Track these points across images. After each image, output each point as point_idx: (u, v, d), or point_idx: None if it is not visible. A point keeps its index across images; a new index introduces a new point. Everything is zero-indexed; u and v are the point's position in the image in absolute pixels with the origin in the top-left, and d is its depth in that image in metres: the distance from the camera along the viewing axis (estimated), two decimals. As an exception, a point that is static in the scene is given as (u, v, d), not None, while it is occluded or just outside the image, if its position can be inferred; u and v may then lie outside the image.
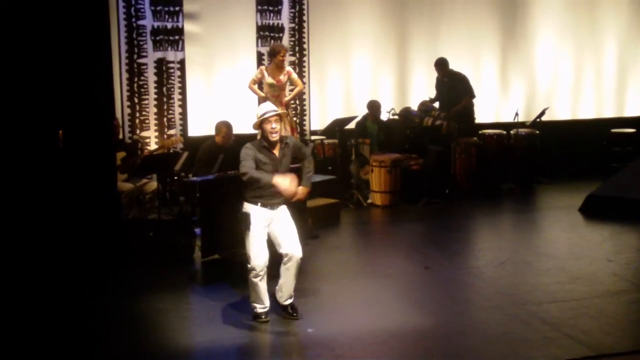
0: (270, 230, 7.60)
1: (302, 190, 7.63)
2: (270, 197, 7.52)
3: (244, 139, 11.78)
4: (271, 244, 7.65)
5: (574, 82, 15.77)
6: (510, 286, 8.64)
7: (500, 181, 14.07)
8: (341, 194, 12.60)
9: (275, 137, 7.51)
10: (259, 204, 7.52)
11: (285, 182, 7.34)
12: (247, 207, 7.55)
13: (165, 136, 12.61)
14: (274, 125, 7.47)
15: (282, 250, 7.57)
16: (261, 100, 11.82)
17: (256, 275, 7.48)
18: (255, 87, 12.01)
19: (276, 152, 7.57)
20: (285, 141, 7.65)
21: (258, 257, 7.46)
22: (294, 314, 7.70)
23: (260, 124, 7.54)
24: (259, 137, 8.02)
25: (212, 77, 13.38)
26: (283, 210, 7.66)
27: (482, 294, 8.45)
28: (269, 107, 7.63)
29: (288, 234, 7.57)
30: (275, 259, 7.73)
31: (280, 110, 7.74)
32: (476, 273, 9.16)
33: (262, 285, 7.56)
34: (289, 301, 7.75)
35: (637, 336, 7.37)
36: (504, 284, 8.73)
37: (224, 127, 11.10)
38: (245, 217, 7.52)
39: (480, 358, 6.85)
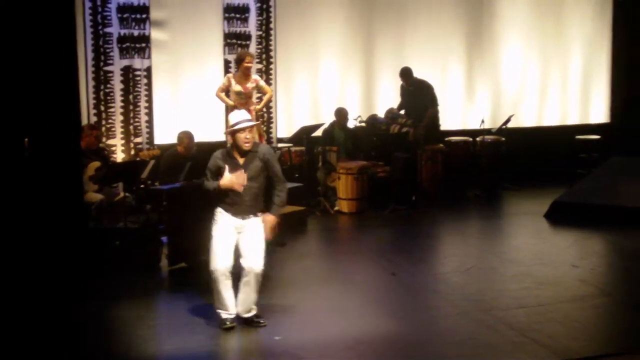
0: (238, 240, 7.54)
1: (268, 221, 7.51)
2: (238, 206, 7.48)
3: (210, 147, 11.86)
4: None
5: (540, 89, 15.89)
6: (477, 292, 8.67)
7: (466, 188, 14.11)
8: (308, 201, 12.62)
9: (248, 147, 7.44)
10: (230, 212, 7.50)
11: (228, 179, 7.38)
12: (218, 212, 7.54)
13: (131, 144, 12.57)
14: (247, 135, 7.42)
15: (242, 262, 7.54)
16: (230, 108, 11.74)
17: (216, 279, 7.45)
18: (223, 95, 11.96)
19: (242, 160, 7.51)
20: (255, 149, 7.57)
21: (218, 260, 7.43)
22: (260, 321, 7.67)
23: (233, 133, 7.48)
24: (229, 144, 7.94)
25: (179, 84, 13.33)
26: (255, 223, 7.56)
27: (448, 300, 8.45)
28: (244, 115, 7.55)
29: (251, 247, 7.50)
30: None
31: (254, 122, 7.70)
32: (443, 279, 9.19)
33: (224, 291, 7.52)
34: (250, 314, 7.69)
35: (603, 340, 7.44)
36: (471, 290, 8.76)
37: (186, 138, 11.20)
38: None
39: (447, 364, 6.86)
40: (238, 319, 7.68)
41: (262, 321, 7.67)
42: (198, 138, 11.70)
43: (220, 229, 7.49)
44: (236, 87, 11.83)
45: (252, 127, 7.47)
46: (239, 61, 11.92)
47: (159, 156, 11.35)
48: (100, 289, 8.78)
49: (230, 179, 7.38)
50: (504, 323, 7.66)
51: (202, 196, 7.78)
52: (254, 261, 7.49)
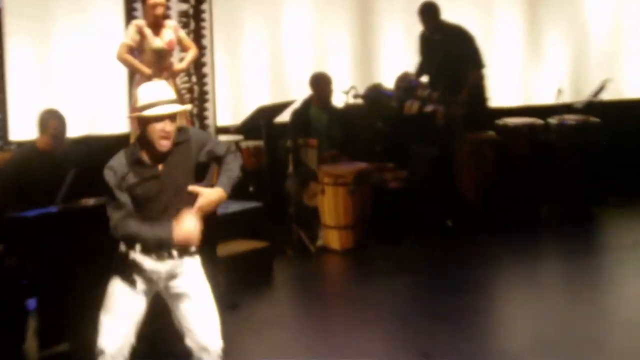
0: (170, 303, 7.33)
1: (207, 195, 7.19)
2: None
3: (106, 145, 11.57)
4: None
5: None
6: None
7: (535, 201, 14.12)
8: (273, 232, 12.40)
9: (165, 147, 7.09)
10: (138, 248, 7.19)
11: (187, 228, 7.05)
12: (125, 253, 7.25)
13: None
14: (168, 127, 7.04)
15: (188, 340, 7.28)
16: (143, 79, 11.45)
17: None
18: (131, 57, 11.76)
19: (160, 165, 7.20)
20: (182, 139, 7.25)
21: (110, 335, 7.21)
22: None
23: (143, 121, 7.11)
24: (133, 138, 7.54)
25: (49, 42, 13.24)
26: (190, 268, 7.33)
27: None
28: (161, 91, 7.19)
29: (198, 315, 7.28)
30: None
31: (181, 106, 7.36)
32: (511, 362, 9.08)
33: None
34: None
35: None
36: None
37: (53, 120, 10.81)
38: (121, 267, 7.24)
39: None
40: None
41: None
42: (84, 130, 11.76)
43: (123, 281, 7.24)
44: (156, 42, 11.69)
45: (175, 113, 7.15)
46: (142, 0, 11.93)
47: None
48: None
49: (186, 229, 7.06)
50: None
51: (95, 227, 7.68)
52: (208, 337, 7.27)
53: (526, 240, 12.87)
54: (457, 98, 13.38)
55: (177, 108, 7.09)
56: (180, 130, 7.26)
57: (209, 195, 7.16)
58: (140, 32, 11.64)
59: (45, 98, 12.88)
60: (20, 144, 11.98)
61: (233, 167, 7.33)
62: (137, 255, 7.18)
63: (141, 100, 7.08)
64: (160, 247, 7.12)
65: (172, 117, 7.05)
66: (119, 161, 7.16)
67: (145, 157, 7.13)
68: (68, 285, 9.23)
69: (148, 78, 11.36)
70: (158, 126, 7.00)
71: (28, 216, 9.59)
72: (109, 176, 7.11)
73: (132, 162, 7.12)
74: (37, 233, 9.45)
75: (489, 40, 14.70)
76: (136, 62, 11.65)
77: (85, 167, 10.07)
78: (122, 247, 7.22)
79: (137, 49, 11.69)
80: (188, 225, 7.01)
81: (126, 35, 11.77)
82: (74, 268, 9.18)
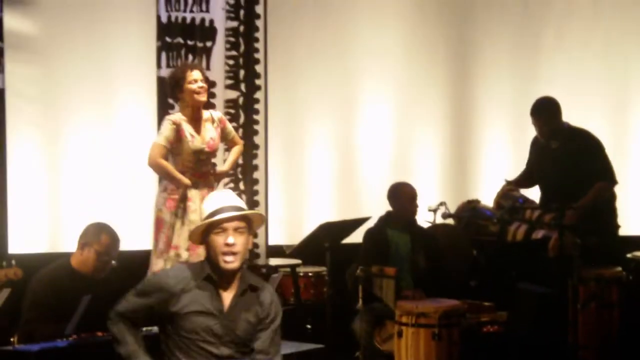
0: None
1: None
2: None
3: (125, 262, 11.75)
4: None
5: None
6: None
7: None
8: None
9: (231, 265, 7.24)
10: None
11: None
12: None
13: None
14: (230, 238, 7.20)
15: None
16: (170, 186, 11.69)
17: None
18: (166, 163, 11.78)
19: (228, 297, 7.34)
20: (254, 285, 7.44)
21: None
22: None
23: (205, 234, 7.30)
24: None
25: (60, 134, 13.46)
26: None
27: None
28: (225, 198, 7.43)
29: None
30: None
31: (249, 210, 7.55)
32: None
33: None
34: None
35: None
36: None
37: (105, 235, 10.98)
38: None
39: None
40: None
41: None
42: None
43: None
44: (196, 143, 11.70)
45: (237, 219, 7.27)
46: (176, 84, 11.83)
47: (21, 282, 11.13)
48: None
49: None
50: None
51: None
52: None
53: None
54: (573, 207, 13.06)
55: (238, 213, 7.24)
56: (261, 283, 7.51)
57: None
58: (176, 130, 11.62)
59: (52, 211, 13.21)
60: (24, 261, 11.70)
61: None
62: None
63: (205, 210, 7.36)
64: None
65: (237, 228, 7.22)
66: (180, 273, 7.36)
67: (213, 277, 7.30)
68: None
69: (184, 190, 11.59)
70: (221, 239, 7.18)
71: (32, 350, 9.74)
72: (157, 280, 7.43)
73: (201, 277, 7.29)
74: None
75: (619, 150, 14.77)
76: (173, 171, 11.64)
77: (102, 292, 10.21)
78: None
79: (171, 151, 11.74)
80: None
81: (160, 135, 11.72)
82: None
